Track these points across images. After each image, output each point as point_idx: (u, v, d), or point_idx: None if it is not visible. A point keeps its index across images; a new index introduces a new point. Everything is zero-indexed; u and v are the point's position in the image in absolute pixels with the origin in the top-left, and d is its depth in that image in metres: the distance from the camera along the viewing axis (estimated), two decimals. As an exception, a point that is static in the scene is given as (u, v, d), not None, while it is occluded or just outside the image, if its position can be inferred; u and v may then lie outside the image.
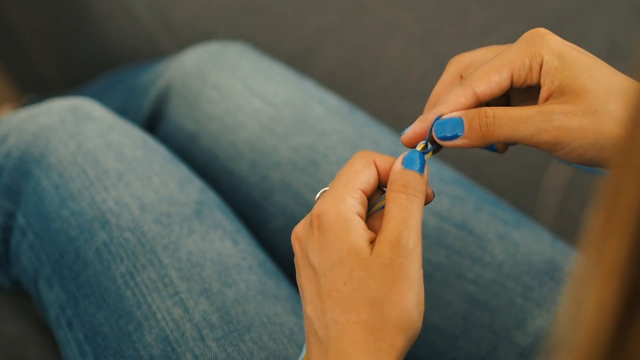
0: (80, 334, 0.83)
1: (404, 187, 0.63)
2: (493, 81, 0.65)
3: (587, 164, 0.63)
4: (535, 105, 0.64)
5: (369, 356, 0.60)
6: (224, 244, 0.85)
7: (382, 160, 0.66)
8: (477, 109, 0.64)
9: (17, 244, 0.89)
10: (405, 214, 0.62)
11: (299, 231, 0.64)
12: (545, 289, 0.87)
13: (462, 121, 0.65)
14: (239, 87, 1.00)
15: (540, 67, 0.64)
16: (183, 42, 1.29)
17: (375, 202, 0.66)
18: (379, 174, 0.66)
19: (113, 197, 0.86)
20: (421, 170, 0.64)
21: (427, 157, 0.66)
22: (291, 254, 0.93)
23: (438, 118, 0.66)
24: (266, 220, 0.95)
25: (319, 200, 0.64)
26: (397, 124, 1.21)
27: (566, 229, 1.08)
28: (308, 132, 0.96)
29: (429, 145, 0.67)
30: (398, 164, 0.65)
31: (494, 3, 1.32)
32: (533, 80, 0.65)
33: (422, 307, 0.61)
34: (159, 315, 0.80)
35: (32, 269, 0.88)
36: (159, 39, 1.32)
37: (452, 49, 1.30)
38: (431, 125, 0.66)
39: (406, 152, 0.65)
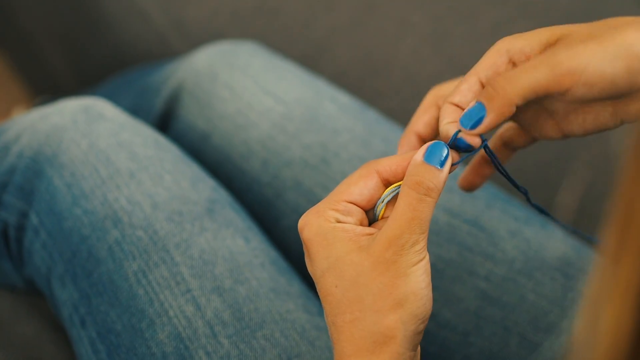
0: (93, 332, 0.84)
1: (417, 185, 0.62)
2: (463, 89, 0.65)
3: (613, 88, 0.62)
4: None
5: (364, 352, 0.61)
6: (236, 241, 0.85)
7: (388, 163, 0.65)
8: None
9: (30, 243, 0.90)
10: (412, 214, 0.61)
11: (302, 246, 0.65)
12: (556, 285, 0.87)
13: (480, 103, 0.64)
14: (251, 86, 1.00)
15: (509, 61, 0.65)
16: (195, 43, 1.29)
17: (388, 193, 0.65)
18: (389, 177, 0.65)
19: (125, 196, 0.86)
20: (441, 164, 0.63)
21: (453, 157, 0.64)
22: (302, 252, 0.93)
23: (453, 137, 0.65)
24: (278, 218, 0.95)
25: (302, 215, 0.65)
26: (409, 122, 1.21)
27: (581, 227, 1.07)
28: (319, 130, 0.96)
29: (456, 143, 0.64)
30: (419, 157, 0.63)
31: (504, 2, 1.32)
32: None
33: (420, 293, 0.61)
34: (171, 313, 0.80)
35: (45, 267, 0.88)
36: (170, 39, 1.32)
37: (463, 48, 1.30)
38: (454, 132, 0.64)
39: (429, 143, 0.63)
